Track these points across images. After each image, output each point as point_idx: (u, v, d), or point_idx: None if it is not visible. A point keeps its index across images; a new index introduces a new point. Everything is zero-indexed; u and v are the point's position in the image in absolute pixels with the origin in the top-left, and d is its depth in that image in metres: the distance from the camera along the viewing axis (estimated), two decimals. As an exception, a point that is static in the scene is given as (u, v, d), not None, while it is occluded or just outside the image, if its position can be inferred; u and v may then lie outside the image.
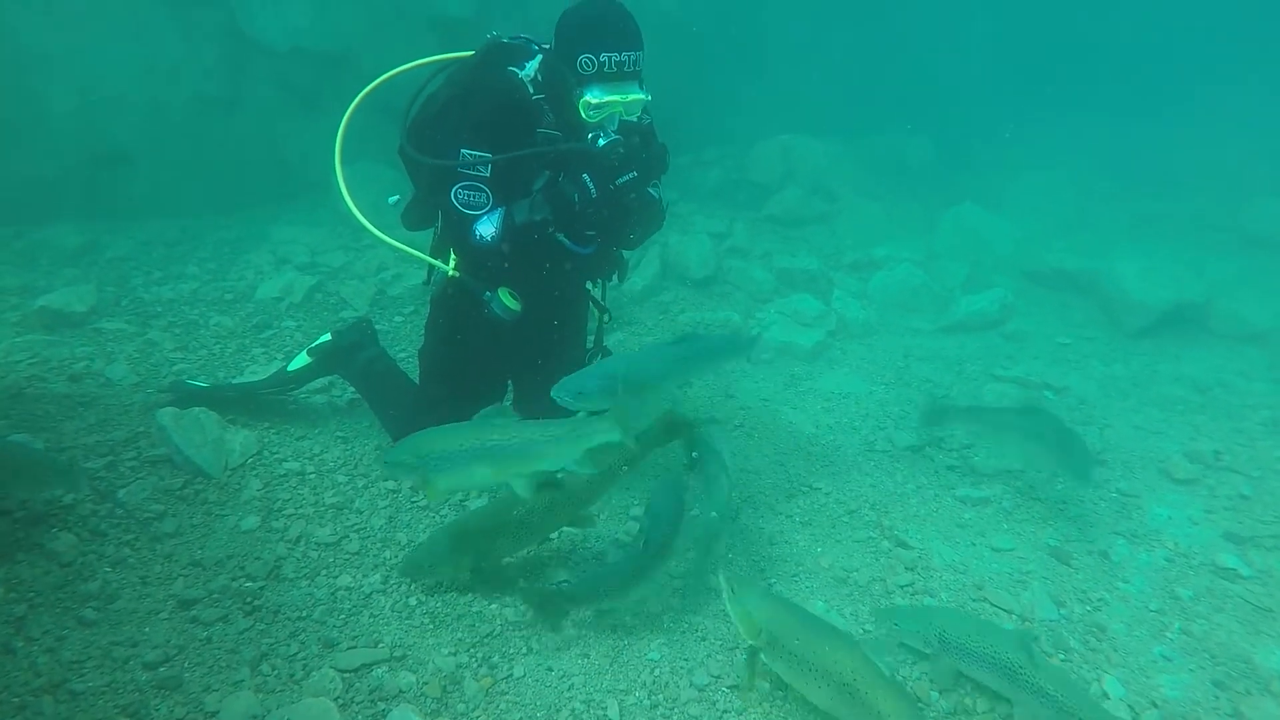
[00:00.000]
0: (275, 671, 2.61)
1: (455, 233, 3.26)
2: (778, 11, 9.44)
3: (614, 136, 3.03)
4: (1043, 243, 7.81)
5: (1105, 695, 2.87)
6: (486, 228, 3.12)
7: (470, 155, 3.08)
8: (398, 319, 5.58)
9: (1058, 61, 11.66)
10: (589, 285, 3.81)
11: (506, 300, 3.31)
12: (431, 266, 3.52)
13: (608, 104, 3.00)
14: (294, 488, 3.51)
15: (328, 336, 4.19)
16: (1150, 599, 3.36)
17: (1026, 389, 5.40)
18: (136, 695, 2.46)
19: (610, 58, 2.98)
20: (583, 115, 3.04)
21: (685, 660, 2.89)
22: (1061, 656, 3.01)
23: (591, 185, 3.04)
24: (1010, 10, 11.73)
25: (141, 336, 4.71)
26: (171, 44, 6.81)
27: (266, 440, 3.81)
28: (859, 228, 7.86)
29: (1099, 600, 3.35)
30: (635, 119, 3.12)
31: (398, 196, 3.58)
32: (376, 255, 6.39)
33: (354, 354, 4.05)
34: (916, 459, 4.53)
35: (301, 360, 4.11)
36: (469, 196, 3.11)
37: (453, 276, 3.37)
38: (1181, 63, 11.50)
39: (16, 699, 2.38)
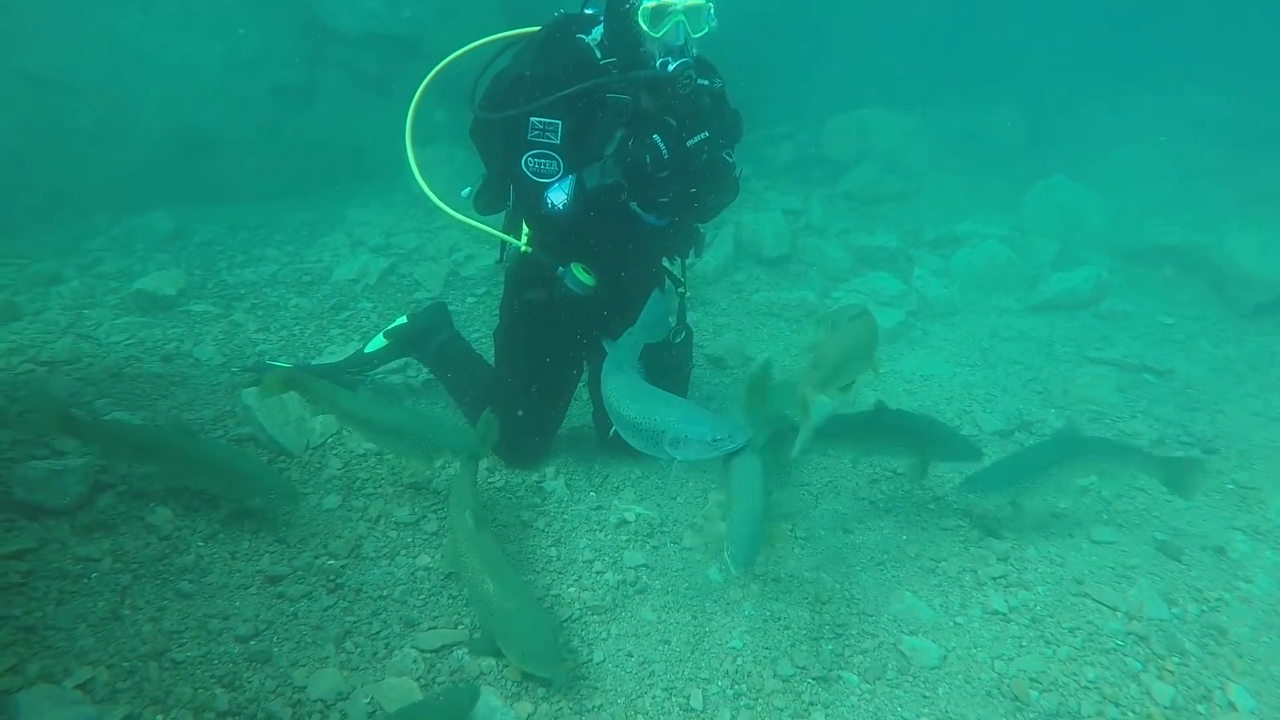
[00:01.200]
0: (359, 649, 2.64)
1: (527, 204, 3.20)
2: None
3: (684, 59, 2.92)
4: (1139, 219, 7.34)
5: (1233, 706, 2.65)
6: (558, 195, 3.05)
7: (540, 122, 3.02)
8: (470, 300, 5.60)
9: (1154, 24, 10.87)
10: (665, 261, 3.71)
11: (580, 275, 3.25)
12: (504, 245, 3.48)
13: (666, 6, 2.89)
14: (372, 468, 3.55)
15: (403, 319, 4.22)
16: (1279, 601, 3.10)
17: (1124, 371, 5.09)
18: (230, 667, 2.51)
19: None
20: (646, 29, 2.93)
21: (768, 650, 2.80)
22: (1177, 660, 2.80)
23: (663, 145, 2.95)
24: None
25: (226, 318, 4.85)
26: (251, 37, 6.98)
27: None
28: (939, 204, 7.54)
29: (1217, 600, 3.11)
30: (700, 35, 2.99)
31: (470, 188, 3.56)
32: (449, 237, 6.43)
33: (429, 337, 4.06)
34: (1005, 444, 4.32)
35: (378, 343, 4.16)
36: (540, 164, 3.06)
37: (525, 253, 3.32)
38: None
39: (127, 663, 2.46)
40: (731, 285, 6.10)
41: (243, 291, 5.33)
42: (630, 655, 2.73)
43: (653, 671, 2.68)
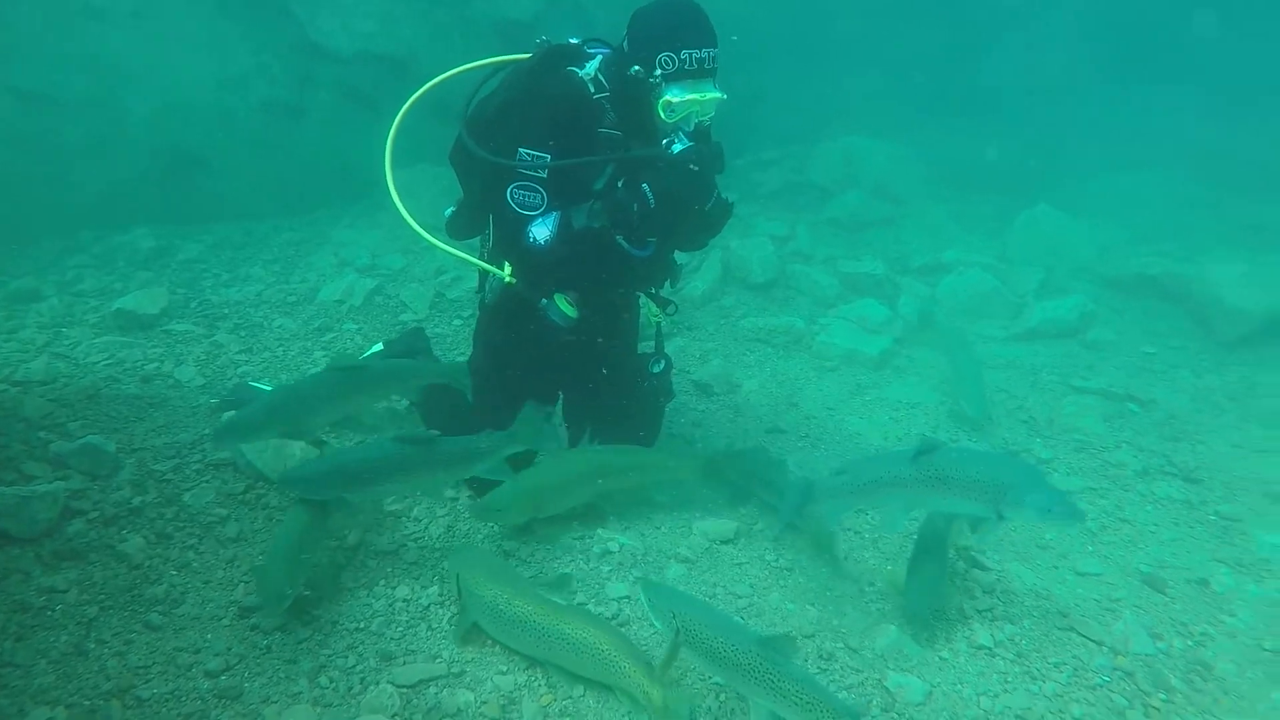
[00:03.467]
0: (333, 684, 2.57)
1: (508, 234, 3.18)
2: (837, 10, 9.20)
3: (686, 142, 2.95)
4: (1126, 249, 7.41)
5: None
6: (541, 230, 3.05)
7: (528, 155, 3.01)
8: (456, 322, 5.57)
9: (1143, 52, 11.06)
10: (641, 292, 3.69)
11: (563, 307, 3.23)
12: (484, 274, 3.45)
13: (687, 103, 2.93)
14: (353, 493, 3.49)
15: (379, 346, 4.21)
16: (1263, 636, 3.09)
17: (1109, 400, 5.10)
18: (199, 704, 2.44)
19: (691, 55, 2.93)
20: (661, 116, 2.97)
21: (751, 686, 2.75)
22: (1163, 696, 2.78)
23: (650, 195, 2.95)
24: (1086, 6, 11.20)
25: (209, 339, 4.80)
26: (241, 54, 6.97)
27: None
28: (926, 230, 7.60)
29: (1201, 634, 3.10)
30: (709, 120, 3.04)
31: (453, 209, 3.54)
32: (435, 259, 6.40)
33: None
34: (992, 474, 4.30)
35: (355, 369, 4.11)
36: (524, 197, 3.05)
37: (509, 284, 3.27)
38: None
39: (88, 702, 2.39)
40: (719, 310, 6.10)
41: (226, 311, 5.28)
42: (613, 689, 2.68)
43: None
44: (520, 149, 3.01)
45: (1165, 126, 9.92)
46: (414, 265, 6.34)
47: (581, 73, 3.13)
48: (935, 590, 3.08)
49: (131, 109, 6.57)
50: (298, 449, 3.61)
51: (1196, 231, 8.05)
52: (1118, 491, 4.09)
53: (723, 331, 5.81)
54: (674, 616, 2.52)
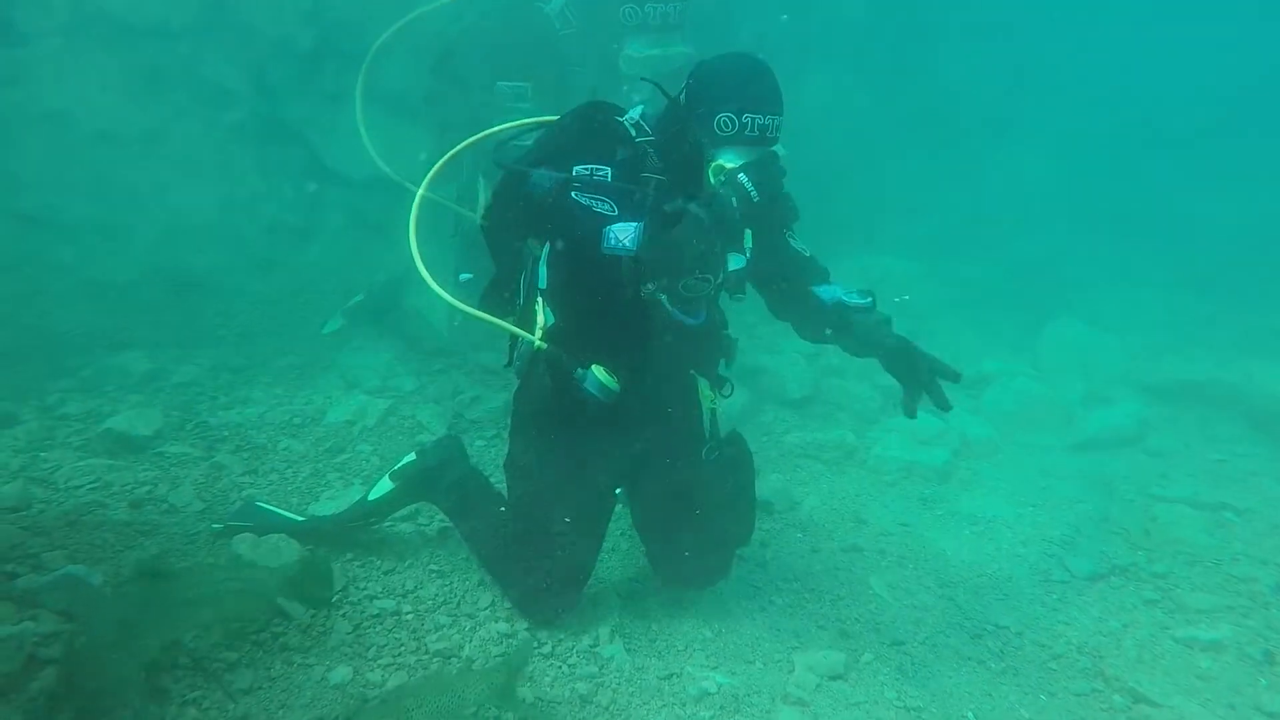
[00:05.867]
0: None
1: (577, 249, 2.77)
2: (838, 141, 9.49)
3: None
4: (1154, 357, 7.27)
5: None
6: (624, 232, 2.68)
7: (586, 168, 2.73)
8: (480, 443, 5.08)
9: (1133, 174, 11.61)
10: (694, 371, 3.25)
11: (602, 377, 2.81)
12: (514, 344, 3.05)
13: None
14: (389, 630, 2.88)
15: (411, 456, 3.68)
16: None
17: (1200, 510, 4.68)
18: None
19: (753, 119, 2.67)
20: (710, 179, 2.71)
21: None
22: None
23: (751, 187, 2.63)
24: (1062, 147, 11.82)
25: (208, 460, 4.25)
26: (253, 177, 6.85)
27: (352, 574, 3.23)
28: (952, 345, 7.36)
29: None
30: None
31: (470, 275, 3.21)
32: (450, 380, 6.01)
33: (441, 474, 3.50)
34: (1106, 591, 3.81)
35: (384, 487, 3.56)
36: (593, 200, 2.72)
37: (539, 349, 2.87)
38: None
39: None
40: (759, 427, 5.69)
41: (226, 434, 4.74)
42: None
43: None
44: (576, 167, 2.74)
45: (1150, 241, 10.20)
46: (428, 386, 5.92)
47: (623, 119, 2.92)
48: None
49: (136, 232, 6.33)
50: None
51: (1213, 338, 7.98)
52: (1260, 611, 3.59)
53: (767, 448, 5.37)
54: None
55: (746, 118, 2.66)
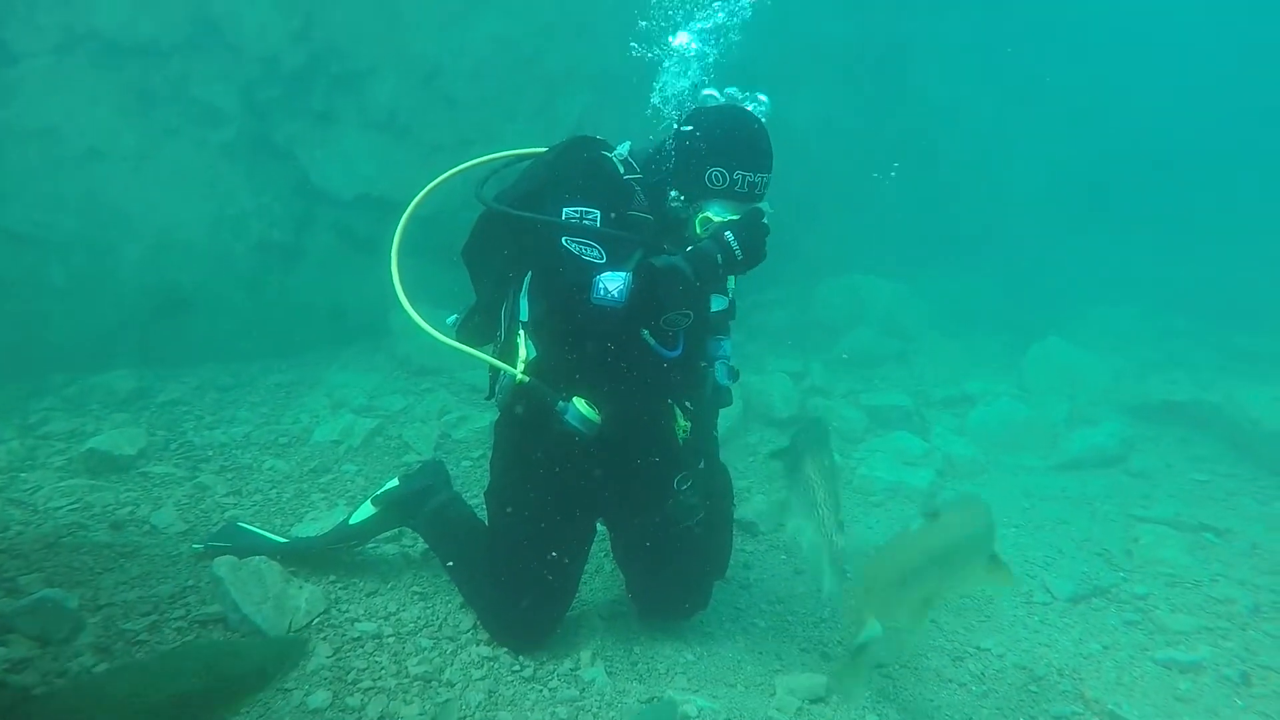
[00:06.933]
0: None
1: (563, 297, 2.75)
2: (824, 161, 9.58)
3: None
4: (1137, 378, 7.34)
5: None
6: (613, 282, 2.64)
7: (575, 210, 2.74)
8: (465, 463, 5.07)
9: (1100, 200, 11.76)
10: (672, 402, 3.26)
11: (584, 409, 2.79)
12: (495, 377, 3.03)
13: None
14: (370, 654, 2.87)
15: (395, 482, 3.66)
16: None
17: (1181, 531, 4.71)
18: None
19: (744, 176, 2.72)
20: (696, 229, 2.75)
21: None
22: None
23: (736, 244, 2.62)
24: (1045, 154, 11.97)
25: (191, 480, 4.23)
26: (242, 195, 6.84)
27: (334, 597, 3.21)
28: (939, 365, 7.47)
29: None
30: None
31: (455, 316, 3.23)
32: (437, 399, 6.02)
33: (424, 500, 3.47)
34: (1087, 612, 3.83)
35: (365, 511, 3.54)
36: (582, 248, 2.70)
37: (521, 383, 2.85)
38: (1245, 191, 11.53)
39: None
40: (745, 447, 5.72)
41: (210, 453, 4.73)
42: None
43: None
44: (564, 209, 2.75)
45: (1132, 266, 10.34)
46: (415, 405, 5.92)
47: (612, 154, 2.96)
48: None
49: (123, 250, 6.31)
50: (303, 600, 3.03)
51: (1196, 359, 8.10)
52: (1238, 633, 3.62)
53: (753, 469, 5.39)
54: None
55: (738, 174, 2.70)
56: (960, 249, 9.72)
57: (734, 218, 2.68)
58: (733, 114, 2.86)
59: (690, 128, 2.81)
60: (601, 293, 2.62)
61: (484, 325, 3.19)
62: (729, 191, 2.71)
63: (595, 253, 2.71)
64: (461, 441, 5.38)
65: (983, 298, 9.14)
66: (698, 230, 2.74)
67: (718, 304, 3.05)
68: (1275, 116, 13.98)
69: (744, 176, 2.71)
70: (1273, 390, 6.12)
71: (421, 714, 2.60)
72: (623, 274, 2.65)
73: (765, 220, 2.66)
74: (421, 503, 3.46)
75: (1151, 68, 14.39)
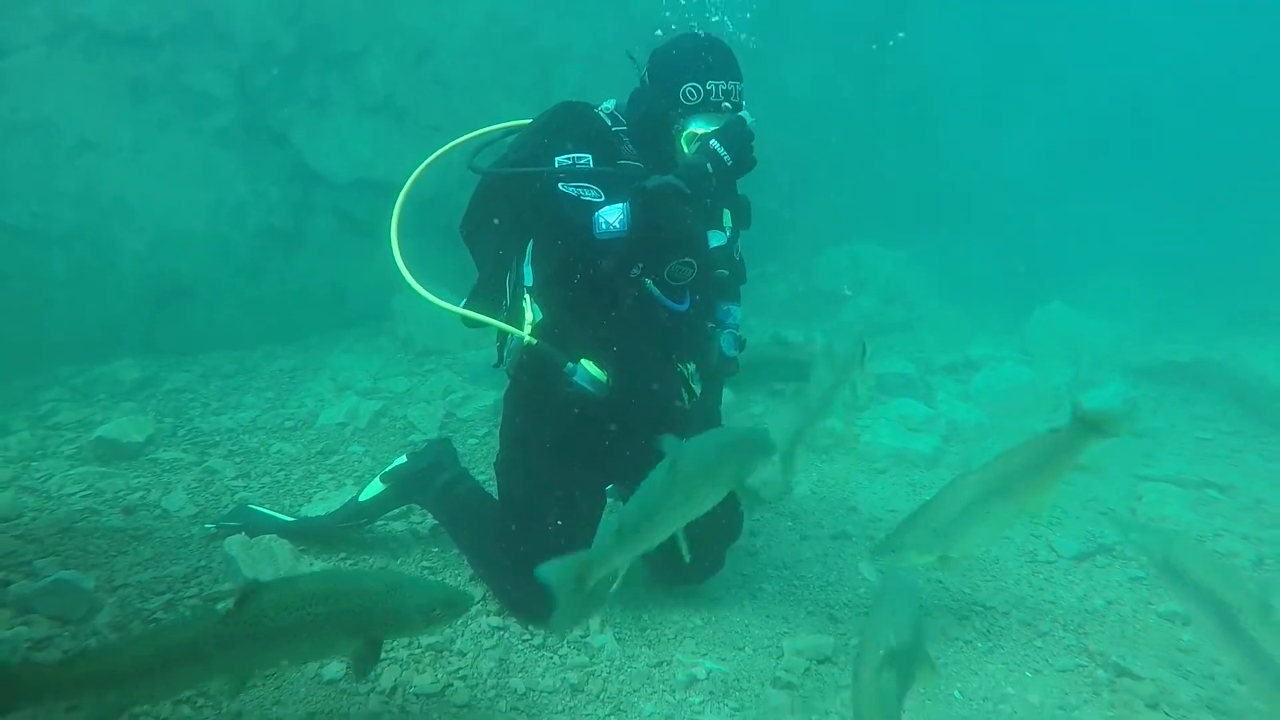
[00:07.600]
0: None
1: (568, 239, 2.79)
2: (825, 130, 9.52)
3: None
4: (1140, 340, 7.34)
5: None
6: (613, 214, 2.68)
7: (568, 157, 2.81)
8: (471, 441, 5.11)
9: (1096, 164, 11.66)
10: (682, 366, 3.23)
11: (592, 370, 2.80)
12: (503, 342, 3.07)
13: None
14: (382, 626, 2.91)
15: (402, 459, 3.70)
16: None
17: (1185, 488, 4.73)
18: None
19: (717, 85, 2.82)
20: (684, 149, 2.82)
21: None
22: None
23: (724, 151, 2.67)
24: (1044, 123, 11.85)
25: (200, 465, 4.28)
26: (239, 183, 6.84)
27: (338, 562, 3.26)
28: (942, 331, 7.46)
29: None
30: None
31: (464, 300, 3.25)
32: (441, 380, 6.05)
33: (432, 477, 3.50)
34: (1092, 569, 3.86)
35: (375, 488, 3.59)
36: (580, 190, 2.77)
37: (529, 345, 2.86)
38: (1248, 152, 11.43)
39: None
40: (750, 418, 5.74)
41: (218, 438, 4.78)
42: None
43: None
44: (557, 157, 2.81)
45: (1130, 229, 10.28)
46: (419, 386, 5.95)
47: (598, 109, 3.05)
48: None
49: (123, 241, 6.32)
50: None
51: (1201, 320, 8.07)
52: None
53: (757, 438, 5.41)
54: None
55: (711, 84, 2.80)
56: (959, 216, 9.67)
57: (717, 128, 2.75)
58: (692, 35, 2.96)
59: (655, 59, 2.93)
60: (604, 226, 2.68)
61: (489, 299, 3.19)
62: (706, 103, 2.81)
63: (594, 192, 2.77)
64: (466, 420, 5.42)
65: (983, 265, 9.12)
66: (685, 149, 2.80)
67: (715, 239, 3.05)
68: (1275, 77, 13.81)
69: (718, 85, 2.81)
70: (1277, 348, 6.11)
71: (434, 682, 2.64)
72: (620, 205, 2.69)
73: (749, 127, 2.71)
74: (430, 479, 3.50)
75: (1150, 30, 14.22)
